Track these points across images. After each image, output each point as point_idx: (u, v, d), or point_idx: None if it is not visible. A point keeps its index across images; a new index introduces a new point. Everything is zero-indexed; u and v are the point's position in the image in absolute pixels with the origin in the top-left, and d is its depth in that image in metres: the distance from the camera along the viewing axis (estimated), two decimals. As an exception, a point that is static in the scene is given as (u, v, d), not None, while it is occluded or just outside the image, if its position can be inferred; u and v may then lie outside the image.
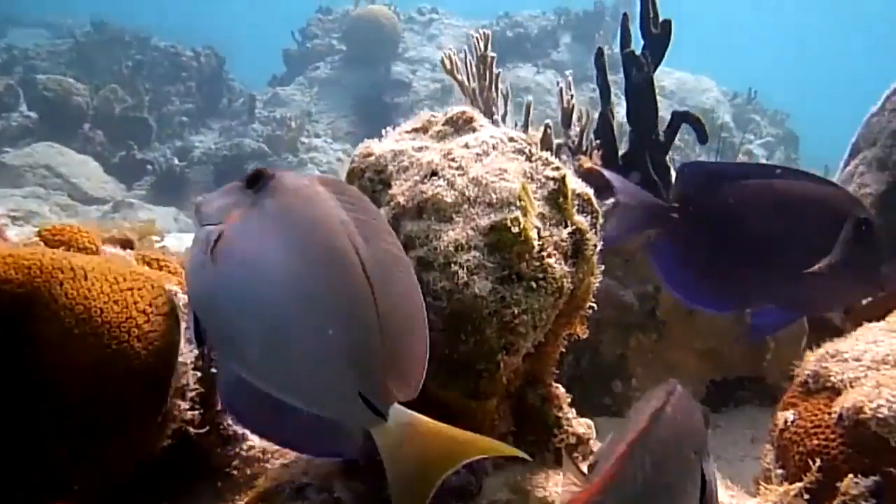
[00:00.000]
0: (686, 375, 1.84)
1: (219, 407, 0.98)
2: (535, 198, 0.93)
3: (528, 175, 0.95)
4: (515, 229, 0.88)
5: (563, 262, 0.92)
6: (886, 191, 2.24)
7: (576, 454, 1.03)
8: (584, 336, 1.03)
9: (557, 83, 2.16)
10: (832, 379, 0.93)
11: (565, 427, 1.03)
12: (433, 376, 0.88)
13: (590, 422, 1.07)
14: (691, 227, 1.25)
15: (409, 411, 0.70)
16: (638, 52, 1.89)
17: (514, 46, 10.07)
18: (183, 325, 0.88)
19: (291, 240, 0.70)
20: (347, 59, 9.20)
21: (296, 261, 0.70)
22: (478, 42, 1.92)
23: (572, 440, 1.03)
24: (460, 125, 1.01)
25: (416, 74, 9.24)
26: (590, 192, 1.00)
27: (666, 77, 9.52)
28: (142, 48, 8.99)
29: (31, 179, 6.18)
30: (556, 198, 0.95)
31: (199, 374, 0.94)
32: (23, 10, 12.09)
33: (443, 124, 1.02)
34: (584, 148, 2.08)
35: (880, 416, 0.86)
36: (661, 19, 1.89)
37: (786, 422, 0.98)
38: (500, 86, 1.95)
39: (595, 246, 0.97)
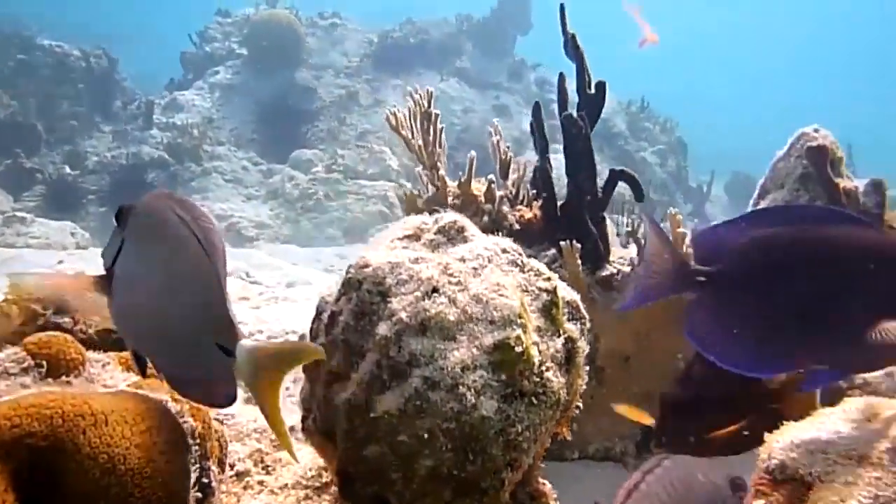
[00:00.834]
0: (625, 422, 1.93)
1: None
2: (530, 310, 0.98)
3: (523, 287, 1.00)
4: (519, 348, 0.92)
5: (558, 374, 0.97)
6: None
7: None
8: (569, 437, 1.08)
9: (489, 133, 2.21)
10: (800, 472, 1.02)
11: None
12: (438, 494, 0.92)
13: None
14: (724, 292, 1.14)
15: (250, 342, 0.86)
16: (574, 113, 1.97)
17: (418, 53, 10.13)
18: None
19: (152, 257, 0.90)
20: (249, 64, 9.00)
21: (161, 271, 0.89)
22: (421, 99, 1.96)
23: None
24: (452, 235, 1.04)
25: (320, 81, 9.14)
26: (577, 298, 1.06)
27: (565, 86, 9.82)
28: (25, 47, 8.45)
29: None
30: (550, 309, 1.00)
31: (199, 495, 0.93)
32: None
33: (435, 233, 1.05)
34: (521, 198, 2.15)
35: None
36: (595, 81, 1.99)
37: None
38: (443, 142, 2.00)
39: (584, 352, 1.03)
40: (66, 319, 1.29)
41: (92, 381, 1.00)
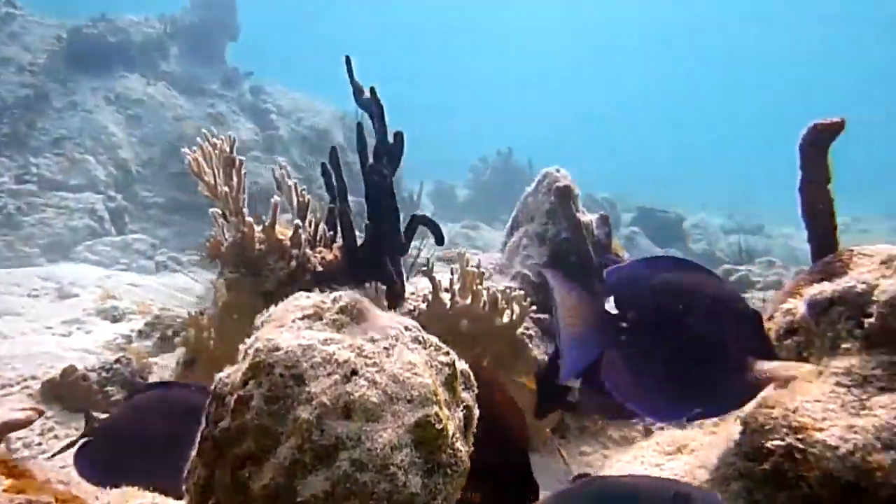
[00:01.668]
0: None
1: None
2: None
3: (429, 364, 1.06)
4: (439, 425, 0.99)
5: (463, 442, 1.06)
6: (547, 261, 2.75)
7: None
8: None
9: (280, 175, 2.20)
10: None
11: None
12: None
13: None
14: (637, 342, 1.18)
15: None
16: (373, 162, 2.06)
17: (118, 53, 9.34)
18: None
19: None
20: None
21: None
22: (223, 144, 1.90)
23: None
24: (355, 314, 1.07)
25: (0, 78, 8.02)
26: (467, 368, 1.15)
27: (282, 97, 9.77)
28: None
29: None
30: (451, 381, 1.08)
31: None
32: None
33: (336, 312, 1.07)
34: (319, 238, 2.18)
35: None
36: (393, 132, 2.09)
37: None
38: (245, 186, 1.95)
39: (476, 418, 1.12)
40: None
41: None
